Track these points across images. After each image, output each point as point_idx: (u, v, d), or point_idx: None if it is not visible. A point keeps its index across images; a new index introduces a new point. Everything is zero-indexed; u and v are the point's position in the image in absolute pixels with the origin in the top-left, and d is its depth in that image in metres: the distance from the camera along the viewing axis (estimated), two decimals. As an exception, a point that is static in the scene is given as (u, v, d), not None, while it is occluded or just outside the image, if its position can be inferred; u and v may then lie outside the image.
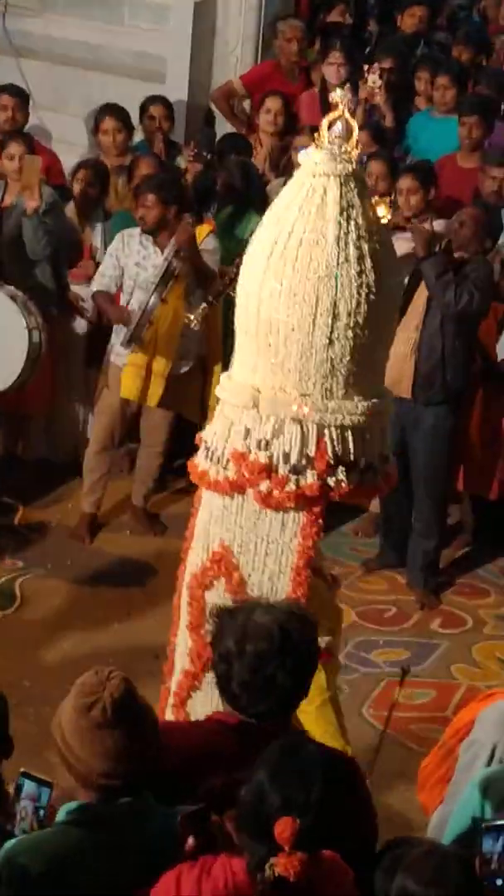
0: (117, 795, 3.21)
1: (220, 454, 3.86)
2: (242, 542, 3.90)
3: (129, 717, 3.20)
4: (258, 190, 7.64)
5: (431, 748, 4.38)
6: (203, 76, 9.38)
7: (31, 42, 9.90)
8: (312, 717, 4.82)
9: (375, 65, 8.61)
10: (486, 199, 7.55)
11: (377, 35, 9.92)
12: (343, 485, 3.81)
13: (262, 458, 3.76)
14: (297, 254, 3.65)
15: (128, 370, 7.19)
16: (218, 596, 3.95)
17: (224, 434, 3.87)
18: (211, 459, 3.90)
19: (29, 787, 3.40)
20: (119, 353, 7.22)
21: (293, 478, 3.78)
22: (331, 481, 3.80)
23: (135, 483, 7.66)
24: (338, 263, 3.65)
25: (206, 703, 3.97)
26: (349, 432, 3.81)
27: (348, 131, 3.70)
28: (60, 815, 3.26)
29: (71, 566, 7.21)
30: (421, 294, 6.88)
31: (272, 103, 8.48)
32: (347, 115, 3.73)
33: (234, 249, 7.36)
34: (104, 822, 3.20)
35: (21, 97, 8.24)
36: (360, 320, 3.71)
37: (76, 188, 7.71)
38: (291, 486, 3.78)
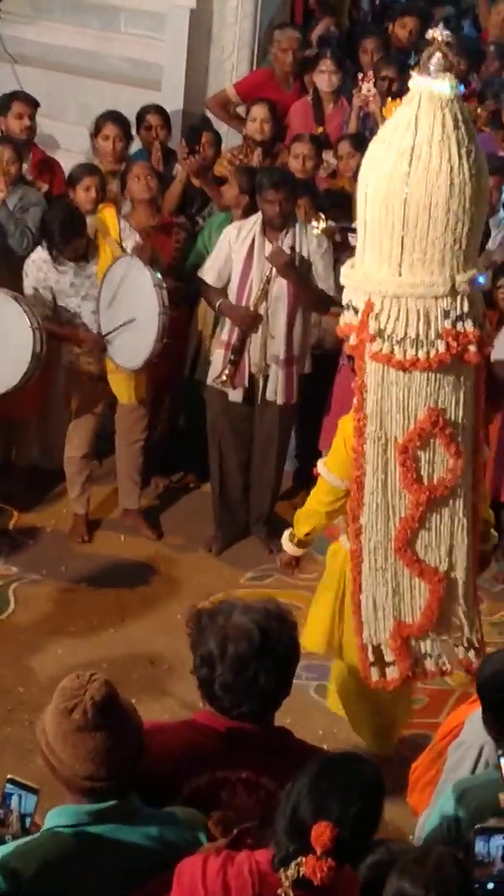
0: (103, 798, 3.22)
1: (423, 338, 4.52)
2: (446, 399, 4.66)
3: (111, 720, 3.21)
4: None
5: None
6: (199, 83, 9.37)
7: (25, 48, 9.90)
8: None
9: (370, 73, 8.64)
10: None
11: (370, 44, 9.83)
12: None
13: (470, 326, 4.53)
14: (472, 162, 4.38)
15: (115, 378, 7.32)
16: (431, 450, 4.70)
17: (423, 320, 4.52)
18: (412, 346, 4.54)
19: (16, 794, 3.42)
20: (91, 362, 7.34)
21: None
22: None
23: (121, 485, 7.68)
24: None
25: (432, 537, 4.83)
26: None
27: (447, 61, 4.44)
28: (48, 820, 3.27)
29: (65, 572, 7.22)
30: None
31: (258, 111, 8.44)
32: (444, 48, 4.43)
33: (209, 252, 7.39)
34: (91, 825, 3.21)
35: (33, 104, 8.17)
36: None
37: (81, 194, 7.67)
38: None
